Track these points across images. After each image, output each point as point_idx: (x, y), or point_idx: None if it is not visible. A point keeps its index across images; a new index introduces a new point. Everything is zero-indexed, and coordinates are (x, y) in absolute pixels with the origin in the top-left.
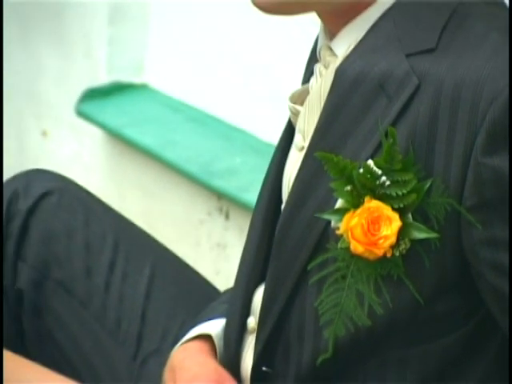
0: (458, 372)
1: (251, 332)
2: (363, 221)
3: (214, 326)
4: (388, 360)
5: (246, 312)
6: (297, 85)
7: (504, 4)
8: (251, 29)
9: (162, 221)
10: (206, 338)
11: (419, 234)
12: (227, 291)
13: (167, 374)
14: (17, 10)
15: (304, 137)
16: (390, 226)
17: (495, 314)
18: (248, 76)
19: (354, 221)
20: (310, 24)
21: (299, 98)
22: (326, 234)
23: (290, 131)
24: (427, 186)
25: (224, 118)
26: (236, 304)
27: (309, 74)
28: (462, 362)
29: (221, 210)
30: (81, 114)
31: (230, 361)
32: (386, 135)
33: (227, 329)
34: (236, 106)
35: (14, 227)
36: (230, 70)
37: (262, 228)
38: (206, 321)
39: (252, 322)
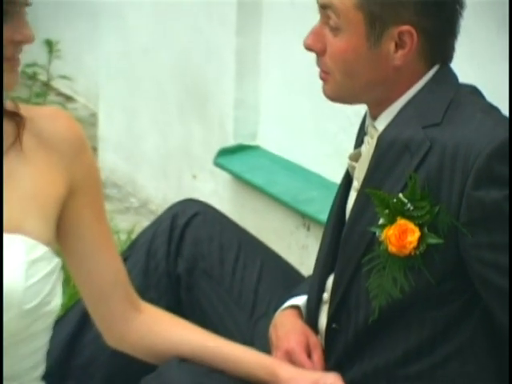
0: (456, 331)
1: (325, 303)
2: (396, 232)
3: (301, 300)
4: (411, 322)
5: (322, 290)
6: (351, 149)
7: (480, 92)
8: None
9: (267, 232)
10: (296, 307)
11: (432, 240)
12: (308, 277)
13: (271, 330)
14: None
15: (358, 182)
16: (413, 235)
17: (484, 296)
18: (321, 140)
19: (390, 232)
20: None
21: (354, 158)
22: (373, 241)
23: (347, 177)
24: (436, 210)
25: (306, 166)
26: (315, 285)
27: (360, 141)
28: (457, 323)
29: (304, 225)
30: (217, 164)
31: (311, 321)
32: (410, 178)
33: (309, 301)
34: (313, 159)
35: (175, 235)
36: (309, 137)
37: (331, 236)
38: (295, 296)
39: (326, 296)
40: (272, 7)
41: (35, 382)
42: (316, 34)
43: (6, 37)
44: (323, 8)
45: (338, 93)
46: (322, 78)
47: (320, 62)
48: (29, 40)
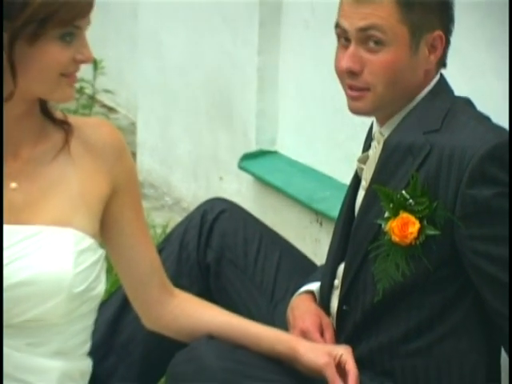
0: (451, 312)
1: (336, 288)
2: (399, 224)
3: (315, 285)
4: (411, 304)
5: (333, 277)
6: (358, 154)
7: (472, 103)
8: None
9: (284, 227)
10: (310, 292)
11: (430, 232)
12: (321, 266)
13: (289, 312)
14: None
15: (366, 182)
16: (414, 227)
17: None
18: (332, 146)
19: (394, 224)
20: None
21: (362, 160)
22: (379, 232)
23: (355, 178)
24: (435, 205)
25: (319, 169)
26: (327, 273)
27: (367, 146)
28: (452, 306)
29: (317, 220)
30: (241, 167)
31: (323, 304)
32: (412, 177)
33: (322, 287)
34: (325, 163)
35: (204, 229)
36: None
37: (341, 230)
38: (309, 282)
39: (337, 282)
40: (289, 30)
41: (82, 357)
42: (352, 55)
43: (69, 56)
44: (364, 30)
45: (376, 106)
46: (355, 98)
47: (357, 82)
48: (88, 60)
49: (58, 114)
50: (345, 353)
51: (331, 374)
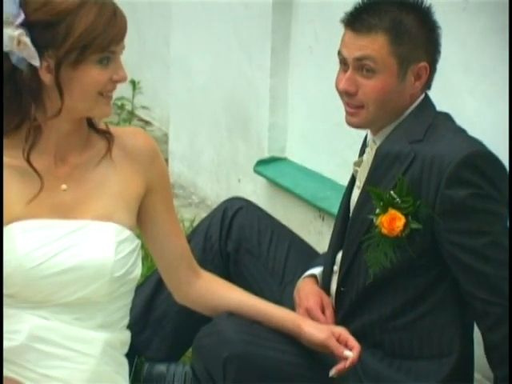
0: (431, 294)
1: (335, 273)
2: (387, 219)
3: (317, 270)
4: (398, 286)
5: (333, 263)
6: (355, 159)
7: (451, 117)
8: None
9: (292, 221)
10: (314, 276)
11: (414, 226)
12: (323, 254)
13: (295, 293)
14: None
15: (360, 182)
16: (400, 221)
17: (452, 268)
18: (333, 154)
19: (383, 219)
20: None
21: (358, 164)
22: (371, 225)
23: (352, 180)
24: (418, 203)
25: (322, 173)
26: (328, 260)
27: (362, 152)
28: (432, 288)
29: (320, 216)
30: (256, 171)
31: (324, 286)
32: (399, 180)
33: (323, 272)
34: (327, 168)
35: (225, 224)
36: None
37: (340, 224)
38: (313, 268)
39: (336, 268)
40: (296, 56)
41: (122, 330)
42: (349, 79)
43: (107, 77)
44: (359, 60)
45: (368, 121)
46: (351, 113)
47: (352, 101)
48: (123, 80)
49: (101, 125)
50: (343, 332)
51: (334, 344)
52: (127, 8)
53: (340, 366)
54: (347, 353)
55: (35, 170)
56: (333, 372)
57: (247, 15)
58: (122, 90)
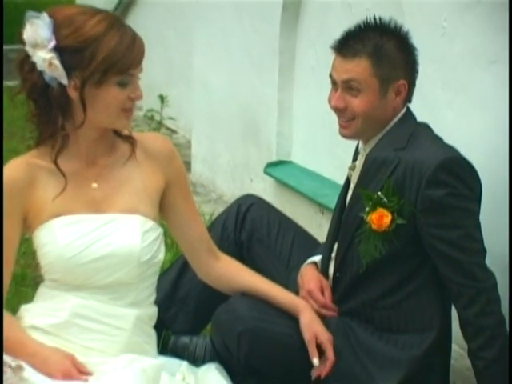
0: (414, 278)
1: (332, 260)
2: (376, 216)
3: (317, 258)
4: (386, 272)
5: (331, 252)
6: (350, 160)
7: (430, 127)
8: None
9: (297, 215)
10: (314, 263)
11: (399, 221)
12: (323, 243)
13: (299, 277)
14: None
15: (353, 184)
16: (387, 218)
17: (432, 257)
18: (332, 158)
19: (373, 216)
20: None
21: (351, 168)
22: (362, 221)
23: (347, 181)
24: (402, 202)
25: (322, 174)
26: (326, 249)
27: (355, 158)
28: (415, 273)
29: (320, 211)
30: (266, 172)
31: (323, 271)
32: (386, 182)
33: (322, 259)
34: (326, 170)
35: (240, 217)
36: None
37: (336, 218)
38: (314, 255)
39: (333, 256)
40: (300, 74)
41: (150, 306)
42: (338, 97)
43: (126, 96)
44: (346, 81)
45: (358, 132)
46: (343, 126)
47: (343, 115)
48: (139, 98)
49: (125, 132)
50: (327, 342)
51: (311, 347)
52: (157, 35)
53: (316, 371)
54: (315, 361)
55: (61, 171)
56: (313, 375)
57: (258, 40)
58: (152, 104)
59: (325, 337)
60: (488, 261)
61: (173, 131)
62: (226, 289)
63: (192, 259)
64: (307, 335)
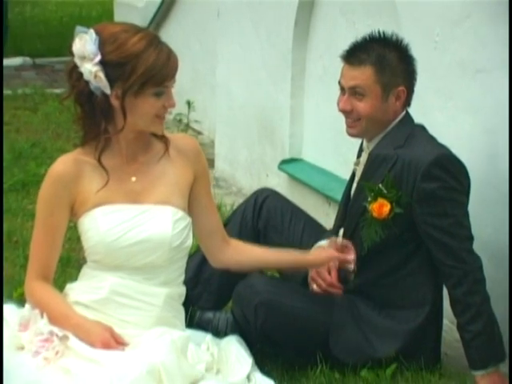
0: (412, 260)
1: None
2: (377, 205)
3: (325, 242)
4: (386, 254)
5: (336, 237)
6: (354, 158)
7: (425, 128)
8: None
9: (307, 206)
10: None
11: (397, 210)
12: (329, 230)
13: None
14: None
15: (357, 177)
16: (387, 207)
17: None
18: (338, 155)
19: (374, 205)
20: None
21: (356, 163)
22: (365, 210)
23: (352, 175)
24: (400, 193)
25: (329, 170)
26: (333, 234)
27: (359, 154)
28: (412, 256)
29: (327, 202)
30: (280, 169)
31: None
32: (386, 176)
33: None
34: (333, 166)
35: (257, 207)
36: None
37: (342, 208)
38: (321, 240)
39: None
40: (310, 82)
41: (179, 285)
42: (345, 101)
43: (161, 105)
44: (352, 88)
45: (362, 131)
46: (350, 126)
47: (349, 117)
48: (172, 107)
49: (158, 132)
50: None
51: (334, 253)
52: (184, 47)
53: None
54: (350, 257)
55: (103, 167)
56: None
57: (273, 53)
58: (180, 108)
59: (335, 255)
60: (475, 245)
61: (198, 132)
62: (238, 265)
63: (207, 247)
64: (324, 254)
